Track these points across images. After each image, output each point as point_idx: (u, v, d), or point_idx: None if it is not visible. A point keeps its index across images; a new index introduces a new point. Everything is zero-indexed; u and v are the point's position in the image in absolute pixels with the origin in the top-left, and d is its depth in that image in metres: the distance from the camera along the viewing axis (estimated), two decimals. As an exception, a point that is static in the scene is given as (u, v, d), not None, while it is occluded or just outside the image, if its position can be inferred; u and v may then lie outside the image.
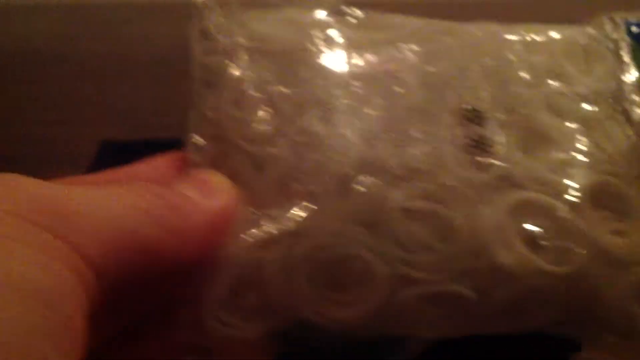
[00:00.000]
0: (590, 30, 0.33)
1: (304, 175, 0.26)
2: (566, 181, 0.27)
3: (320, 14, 0.30)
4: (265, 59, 0.29)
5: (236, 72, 0.28)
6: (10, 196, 0.21)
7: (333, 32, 0.30)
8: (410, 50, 0.30)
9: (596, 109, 0.30)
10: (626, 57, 0.32)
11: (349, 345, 0.26)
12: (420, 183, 0.26)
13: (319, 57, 0.29)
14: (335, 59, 0.29)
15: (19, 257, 0.19)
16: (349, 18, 0.31)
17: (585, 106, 0.30)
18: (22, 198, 0.21)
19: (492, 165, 0.27)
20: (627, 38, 0.33)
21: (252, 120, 0.27)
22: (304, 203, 0.26)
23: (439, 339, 0.27)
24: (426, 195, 0.26)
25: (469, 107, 0.29)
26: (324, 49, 0.29)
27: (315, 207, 0.26)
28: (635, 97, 0.31)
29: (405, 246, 0.26)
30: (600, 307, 0.27)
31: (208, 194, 0.25)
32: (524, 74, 0.30)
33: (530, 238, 0.27)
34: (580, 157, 0.28)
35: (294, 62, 0.29)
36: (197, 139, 0.28)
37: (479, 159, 0.28)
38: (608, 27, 0.33)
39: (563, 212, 0.27)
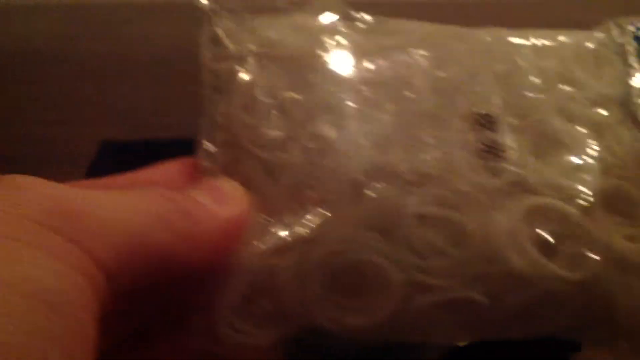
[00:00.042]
0: (598, 34, 0.33)
1: (316, 181, 0.26)
2: (578, 186, 0.27)
3: (329, 20, 0.30)
4: (275, 64, 0.28)
5: (246, 78, 0.28)
6: (21, 198, 0.20)
7: (342, 38, 0.29)
8: (420, 56, 0.29)
9: (606, 113, 0.30)
10: (634, 62, 0.32)
11: (361, 352, 0.26)
12: (433, 189, 0.26)
13: (329, 63, 0.28)
14: (345, 65, 0.29)
15: (26, 259, 0.19)
16: (358, 23, 0.31)
17: (596, 111, 0.30)
18: (34, 200, 0.21)
19: (504, 170, 0.27)
20: (634, 43, 0.33)
21: (263, 126, 0.27)
22: (317, 209, 0.26)
23: (451, 345, 0.27)
24: (439, 201, 0.26)
25: (481, 112, 0.28)
26: (333, 54, 0.29)
27: (328, 214, 0.26)
28: (642, 102, 0.30)
29: (418, 252, 0.26)
30: (615, 312, 0.27)
31: (221, 200, 0.25)
32: (534, 79, 0.30)
33: (543, 243, 0.27)
34: (591, 161, 0.28)
35: (304, 67, 0.28)
36: (208, 145, 0.28)
37: (491, 164, 0.27)
38: (615, 31, 0.33)
39: (576, 217, 0.27)
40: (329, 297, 0.25)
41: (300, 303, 0.25)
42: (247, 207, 0.26)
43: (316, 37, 0.29)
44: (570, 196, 0.27)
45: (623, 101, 0.31)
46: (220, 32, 0.29)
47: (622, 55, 0.32)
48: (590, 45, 0.32)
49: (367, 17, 0.31)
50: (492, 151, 0.28)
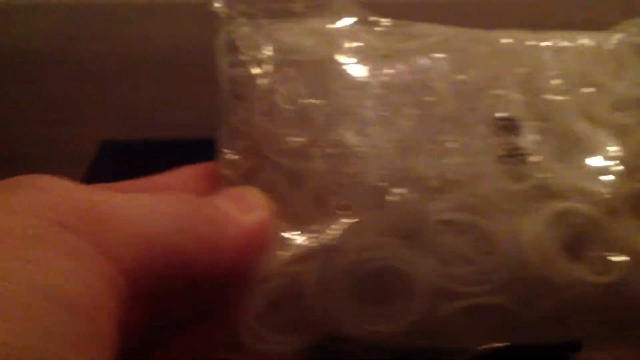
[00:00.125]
0: (617, 35, 0.32)
1: (339, 188, 0.25)
2: (604, 189, 0.27)
3: (347, 24, 0.30)
4: (294, 70, 0.28)
5: (265, 84, 0.27)
6: (43, 199, 0.20)
7: (361, 42, 0.29)
8: (440, 59, 0.29)
9: (629, 115, 0.29)
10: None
11: (384, 358, 0.26)
12: (458, 194, 0.26)
13: (348, 68, 0.28)
14: (365, 69, 0.28)
15: (46, 261, 0.18)
16: (375, 27, 0.30)
17: (618, 113, 0.29)
18: (56, 201, 0.20)
19: (529, 175, 0.27)
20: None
21: (284, 133, 0.26)
22: (341, 216, 0.25)
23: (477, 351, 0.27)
24: (464, 206, 0.25)
25: (503, 115, 0.28)
26: (353, 59, 0.28)
27: (353, 221, 0.25)
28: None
29: (444, 259, 0.25)
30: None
31: (244, 207, 0.24)
32: (556, 81, 0.29)
33: (569, 248, 0.26)
34: (616, 164, 0.28)
35: (323, 73, 0.28)
36: (229, 152, 0.27)
37: (515, 168, 0.27)
38: (633, 30, 0.33)
39: (601, 220, 0.26)
40: (354, 305, 0.25)
41: (324, 310, 0.25)
42: (270, 214, 0.25)
43: (334, 42, 0.28)
44: (595, 199, 0.26)
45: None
46: (237, 37, 0.28)
47: (642, 55, 0.32)
48: (609, 46, 0.31)
49: (385, 21, 0.30)
50: (515, 155, 0.27)
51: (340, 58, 0.28)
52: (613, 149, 0.28)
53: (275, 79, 0.27)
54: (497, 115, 0.28)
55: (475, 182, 0.26)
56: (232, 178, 0.26)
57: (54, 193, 0.20)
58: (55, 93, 0.72)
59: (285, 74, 0.27)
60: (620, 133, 0.28)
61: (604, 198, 0.26)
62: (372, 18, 0.30)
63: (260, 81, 0.27)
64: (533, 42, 0.30)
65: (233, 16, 0.29)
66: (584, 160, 0.27)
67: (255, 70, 0.27)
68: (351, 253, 0.25)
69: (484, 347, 0.27)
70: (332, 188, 0.25)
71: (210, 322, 0.26)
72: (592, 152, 0.27)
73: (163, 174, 0.27)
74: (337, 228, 0.25)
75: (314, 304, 0.25)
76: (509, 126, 0.27)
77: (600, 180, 0.27)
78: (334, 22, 0.29)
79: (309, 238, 0.25)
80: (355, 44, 0.28)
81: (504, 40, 0.30)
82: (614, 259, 0.26)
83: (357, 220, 0.25)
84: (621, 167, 0.27)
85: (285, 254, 0.25)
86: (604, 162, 0.27)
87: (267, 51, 0.28)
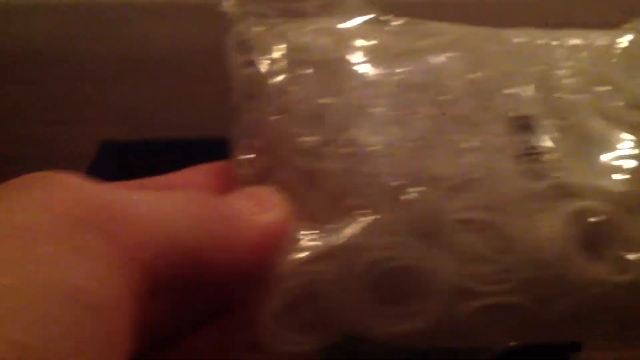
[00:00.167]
0: (630, 34, 0.32)
1: (355, 187, 0.25)
2: (621, 187, 0.27)
3: (359, 23, 0.29)
4: (307, 69, 0.27)
5: (279, 84, 0.27)
6: (61, 196, 0.20)
7: (374, 41, 0.29)
8: (453, 58, 0.29)
9: None
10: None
11: (401, 357, 0.26)
12: (475, 193, 0.25)
13: (361, 67, 0.27)
14: (379, 68, 0.28)
15: (63, 259, 0.18)
16: (387, 26, 0.30)
17: (633, 111, 0.29)
18: (73, 198, 0.20)
19: (546, 173, 0.26)
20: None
21: (298, 132, 0.26)
22: (358, 216, 0.25)
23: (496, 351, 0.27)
24: (482, 205, 0.25)
25: (519, 114, 0.28)
26: (365, 58, 0.28)
27: (370, 220, 0.25)
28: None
29: (462, 258, 0.25)
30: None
31: (261, 207, 0.24)
32: (570, 80, 0.29)
33: (588, 247, 0.26)
34: (632, 162, 0.27)
35: (336, 72, 0.27)
36: (243, 152, 0.27)
37: (532, 167, 0.26)
38: None
39: (620, 219, 0.26)
40: (371, 305, 0.25)
41: (343, 310, 0.24)
42: (287, 214, 0.25)
43: (347, 41, 0.28)
44: (613, 198, 0.26)
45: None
46: (248, 37, 0.28)
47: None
48: (622, 44, 0.31)
49: (397, 20, 0.30)
50: (532, 154, 0.27)
51: (354, 57, 0.28)
52: (628, 147, 0.27)
53: (288, 79, 0.27)
54: (513, 114, 0.27)
55: (493, 181, 0.26)
56: (247, 177, 0.26)
57: (70, 190, 0.20)
58: (55, 93, 0.71)
59: (298, 73, 0.27)
60: (635, 131, 0.28)
61: (622, 196, 0.26)
62: (384, 17, 0.29)
63: (273, 80, 0.27)
64: (546, 41, 0.30)
65: (245, 16, 0.28)
66: (600, 159, 0.27)
67: (268, 70, 0.27)
68: (368, 253, 0.24)
69: (501, 346, 0.26)
70: (348, 187, 0.25)
71: (223, 321, 0.26)
72: (609, 150, 0.27)
73: (177, 172, 0.27)
74: (354, 227, 0.25)
75: (331, 304, 0.24)
76: (525, 125, 0.27)
77: (617, 179, 0.26)
78: (346, 21, 0.29)
79: (325, 238, 0.24)
80: (368, 43, 0.28)
81: (517, 39, 0.30)
82: (632, 257, 0.25)
83: (374, 219, 0.25)
84: (637, 165, 0.27)
85: (303, 254, 0.24)
86: (620, 160, 0.27)
87: (280, 50, 0.27)
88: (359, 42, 0.28)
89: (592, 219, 0.26)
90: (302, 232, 0.25)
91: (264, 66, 0.27)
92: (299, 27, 0.28)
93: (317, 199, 0.25)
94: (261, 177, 0.26)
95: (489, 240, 0.25)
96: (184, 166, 0.28)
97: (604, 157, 0.27)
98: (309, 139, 0.26)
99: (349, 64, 0.27)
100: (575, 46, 0.30)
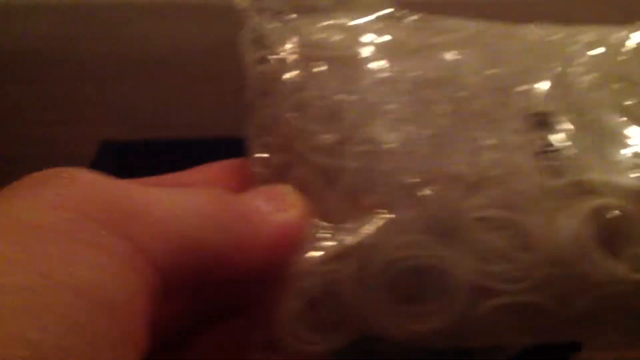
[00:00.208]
0: None
1: (373, 185, 0.25)
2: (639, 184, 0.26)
3: (373, 19, 0.29)
4: (322, 66, 0.27)
5: (294, 80, 0.27)
6: (77, 193, 0.19)
7: (389, 37, 0.28)
8: (470, 54, 0.28)
9: None
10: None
11: (417, 356, 0.26)
12: (494, 191, 0.25)
13: (377, 63, 0.27)
14: (394, 65, 0.27)
15: (79, 257, 0.18)
16: (403, 22, 0.29)
17: None
18: (90, 195, 0.19)
19: (565, 170, 0.26)
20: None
21: (314, 130, 0.26)
22: (376, 214, 0.25)
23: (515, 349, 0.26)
24: (500, 203, 0.25)
25: (537, 111, 0.27)
26: (381, 54, 0.27)
27: (388, 218, 0.24)
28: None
29: (482, 256, 0.24)
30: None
31: (278, 205, 0.24)
32: (587, 76, 0.28)
33: (607, 244, 0.26)
34: None
35: (352, 68, 0.27)
36: (259, 150, 0.27)
37: (551, 164, 0.26)
38: None
39: (639, 216, 0.26)
40: (390, 304, 0.24)
41: (360, 310, 0.24)
42: (305, 212, 0.24)
43: (363, 37, 0.28)
44: (631, 195, 0.26)
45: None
46: (263, 33, 0.28)
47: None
48: (637, 39, 0.31)
49: (412, 15, 0.30)
50: (551, 151, 0.26)
51: (369, 53, 0.27)
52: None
53: (304, 75, 0.26)
54: (531, 110, 0.27)
55: (512, 178, 0.25)
56: (263, 175, 0.26)
57: (85, 187, 0.20)
58: (55, 93, 0.71)
59: (313, 69, 0.27)
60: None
61: None
62: (398, 13, 0.29)
63: (288, 77, 0.26)
64: (561, 36, 0.29)
65: (259, 11, 0.28)
66: (618, 155, 0.27)
67: (283, 66, 0.27)
68: (387, 251, 0.24)
69: (518, 345, 0.26)
70: (364, 186, 0.25)
71: (237, 320, 0.26)
72: (626, 147, 0.27)
73: (192, 169, 0.27)
74: (372, 226, 0.24)
75: (349, 303, 0.24)
76: (543, 121, 0.27)
77: (635, 175, 0.26)
78: (360, 17, 0.28)
79: (342, 236, 0.24)
80: (382, 39, 0.28)
81: (533, 35, 0.29)
82: None
83: (392, 217, 0.24)
84: None
85: (320, 252, 0.24)
86: (638, 156, 0.27)
87: (295, 47, 0.27)
88: (374, 38, 0.28)
89: (610, 216, 0.25)
90: (320, 231, 0.24)
91: (278, 62, 0.27)
92: (313, 23, 0.28)
93: (334, 197, 0.25)
94: (278, 175, 0.26)
95: (507, 238, 0.24)
96: (184, 166, 0.27)
97: (622, 154, 0.27)
98: (326, 137, 0.25)
99: (364, 61, 0.27)
100: (591, 42, 0.30)
